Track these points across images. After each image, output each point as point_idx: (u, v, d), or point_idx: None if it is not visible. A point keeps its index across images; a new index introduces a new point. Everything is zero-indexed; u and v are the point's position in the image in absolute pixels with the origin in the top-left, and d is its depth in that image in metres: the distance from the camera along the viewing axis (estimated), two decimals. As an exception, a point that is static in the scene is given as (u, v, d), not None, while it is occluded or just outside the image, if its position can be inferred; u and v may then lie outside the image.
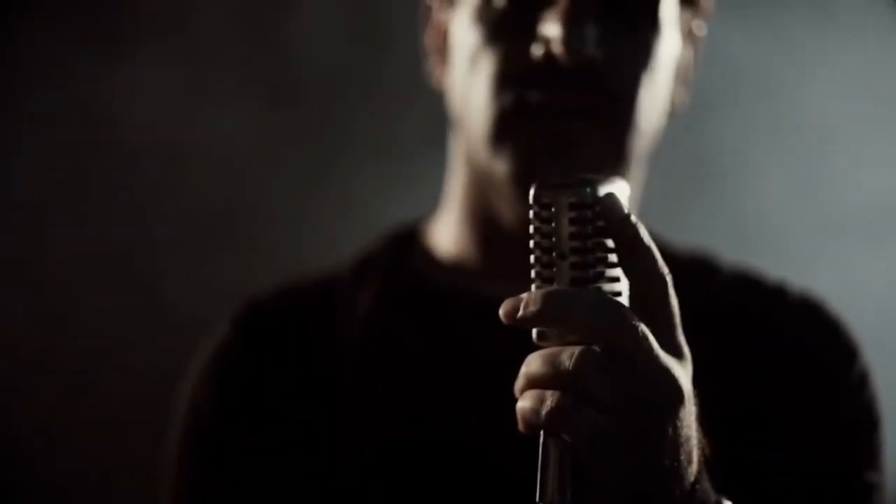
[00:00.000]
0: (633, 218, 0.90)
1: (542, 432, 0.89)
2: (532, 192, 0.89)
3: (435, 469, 1.27)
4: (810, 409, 1.29)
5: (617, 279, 0.90)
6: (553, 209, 0.89)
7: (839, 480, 1.26)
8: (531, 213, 0.89)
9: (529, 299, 0.88)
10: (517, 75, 1.22)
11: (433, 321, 1.33)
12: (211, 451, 1.34)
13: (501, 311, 0.90)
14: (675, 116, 1.34)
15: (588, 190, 0.89)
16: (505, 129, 1.23)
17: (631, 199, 1.29)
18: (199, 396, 1.36)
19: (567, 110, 1.22)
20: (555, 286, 0.89)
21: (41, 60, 2.18)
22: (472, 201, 1.32)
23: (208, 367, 1.36)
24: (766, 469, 1.26)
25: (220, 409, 1.35)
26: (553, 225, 0.89)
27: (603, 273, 0.89)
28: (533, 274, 0.90)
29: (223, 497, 1.32)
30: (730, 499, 0.99)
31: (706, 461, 0.95)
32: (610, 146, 1.24)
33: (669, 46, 1.28)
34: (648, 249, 0.91)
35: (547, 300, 0.88)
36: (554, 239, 0.89)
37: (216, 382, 1.36)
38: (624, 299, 0.91)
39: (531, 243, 0.90)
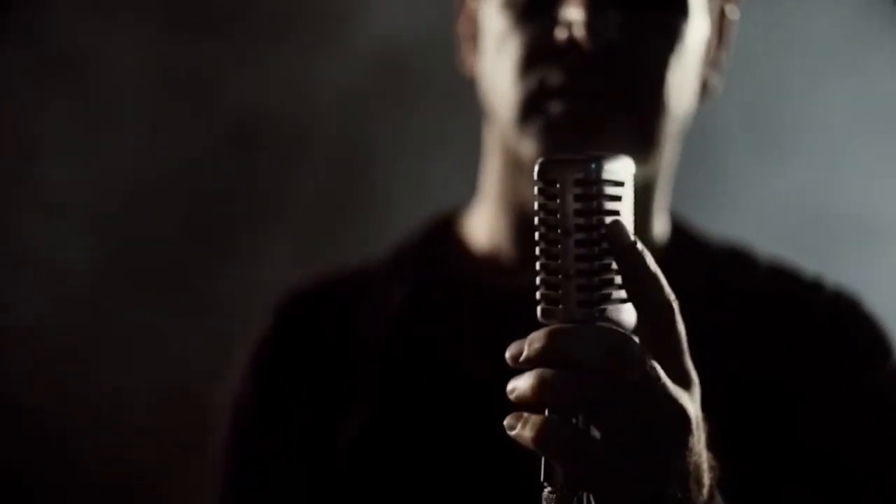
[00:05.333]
0: (639, 245, 0.88)
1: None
2: (537, 168, 0.88)
3: (465, 462, 1.27)
4: (844, 401, 1.29)
5: None
6: (558, 185, 0.88)
7: (870, 473, 1.25)
8: (536, 189, 0.89)
9: (533, 338, 0.87)
10: (541, 59, 1.23)
11: (466, 313, 1.33)
12: (248, 441, 1.37)
13: (507, 355, 0.89)
14: (708, 100, 1.34)
15: (594, 166, 0.88)
16: (530, 112, 1.24)
17: (663, 181, 1.31)
18: (238, 388, 1.39)
19: (590, 93, 1.22)
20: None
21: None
22: (505, 191, 1.32)
23: (248, 358, 1.39)
24: (796, 459, 1.25)
25: (257, 400, 1.37)
26: (558, 202, 0.88)
27: (603, 250, 0.88)
28: (538, 251, 0.89)
29: (261, 484, 1.34)
30: (758, 486, 0.97)
31: (718, 483, 0.94)
32: (634, 129, 1.24)
33: (697, 30, 1.27)
34: (654, 277, 0.89)
35: (551, 339, 0.87)
36: (559, 216, 0.88)
37: (253, 373, 1.38)
38: None
39: (535, 220, 0.89)
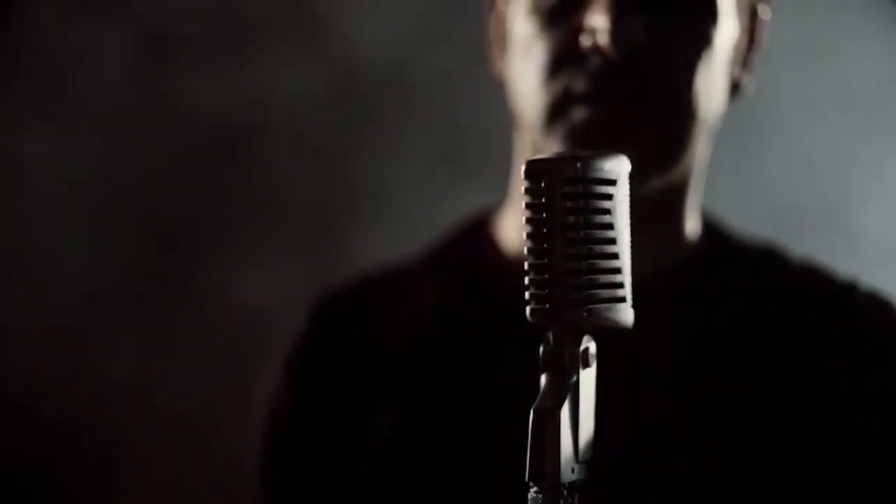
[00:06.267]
0: None
1: (532, 411, 0.88)
2: (523, 168, 0.88)
3: (497, 463, 1.27)
4: (877, 403, 1.28)
5: (610, 255, 0.88)
6: (543, 184, 0.87)
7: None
8: (523, 188, 0.88)
9: None
10: (566, 65, 1.23)
11: (499, 315, 1.33)
12: (284, 442, 1.39)
13: None
14: (739, 100, 1.33)
15: (580, 165, 0.88)
16: (555, 117, 1.24)
17: (695, 181, 1.31)
18: (274, 389, 1.40)
19: (614, 99, 1.22)
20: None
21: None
22: None
23: (284, 360, 1.41)
24: (825, 460, 1.25)
25: (292, 402, 1.39)
26: (544, 200, 0.87)
27: (593, 249, 0.88)
28: (525, 251, 0.89)
29: (297, 486, 1.36)
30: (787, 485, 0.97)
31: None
32: (661, 133, 1.24)
33: (725, 31, 1.26)
34: None
35: None
36: (545, 215, 0.87)
37: (289, 375, 1.40)
38: (623, 277, 0.89)
39: (524, 219, 0.89)
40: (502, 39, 1.32)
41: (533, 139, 1.28)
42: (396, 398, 1.33)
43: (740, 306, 1.30)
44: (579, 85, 1.22)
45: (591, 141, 1.21)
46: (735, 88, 1.32)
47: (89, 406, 2.23)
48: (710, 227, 1.36)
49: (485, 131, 2.19)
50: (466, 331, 1.34)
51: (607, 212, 0.88)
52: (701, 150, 1.30)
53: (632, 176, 1.24)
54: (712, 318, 1.29)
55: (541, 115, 1.24)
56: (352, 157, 2.26)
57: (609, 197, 0.89)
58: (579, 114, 1.22)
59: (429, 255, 1.41)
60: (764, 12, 1.33)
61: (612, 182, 0.89)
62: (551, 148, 1.24)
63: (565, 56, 1.23)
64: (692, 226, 1.34)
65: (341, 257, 2.25)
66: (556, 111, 1.23)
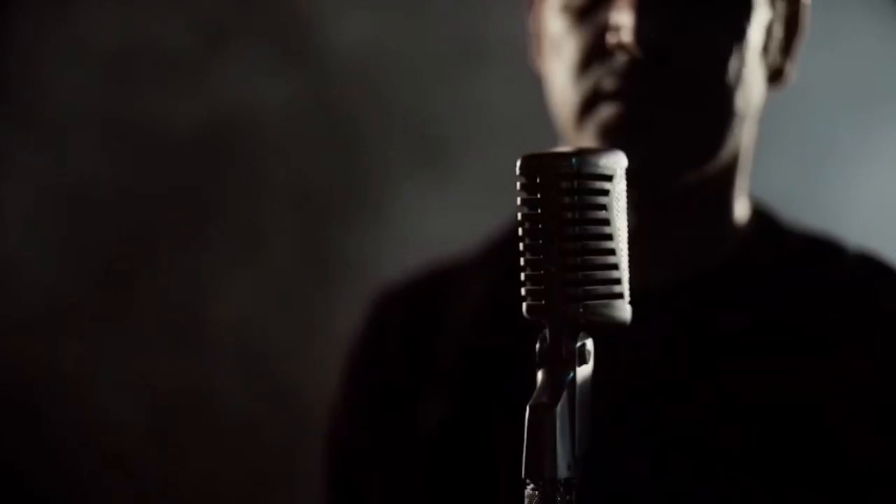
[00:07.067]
0: None
1: (528, 407, 0.88)
2: (518, 164, 0.88)
3: None
4: None
5: (606, 251, 0.88)
6: (539, 180, 0.87)
7: None
8: (518, 185, 0.88)
9: None
10: (594, 63, 1.24)
11: None
12: (342, 438, 1.42)
13: None
14: (782, 89, 1.33)
15: (574, 161, 0.87)
16: (585, 115, 1.25)
17: (741, 167, 1.31)
18: (336, 387, 1.44)
19: (642, 96, 1.23)
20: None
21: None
22: None
23: (344, 358, 1.45)
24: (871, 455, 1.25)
25: (350, 399, 1.42)
26: (539, 196, 0.87)
27: (588, 245, 0.87)
28: (521, 247, 0.88)
29: (354, 481, 1.39)
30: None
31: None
32: (691, 128, 1.25)
33: (757, 22, 1.26)
34: None
35: None
36: (540, 211, 0.87)
37: (347, 373, 1.44)
38: (620, 273, 0.89)
39: (518, 215, 0.88)
40: (539, 37, 1.34)
41: (563, 133, 1.30)
42: (446, 393, 1.34)
43: (789, 296, 1.29)
44: (608, 83, 1.23)
45: (621, 138, 1.22)
46: (777, 76, 1.31)
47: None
48: (763, 216, 1.36)
49: (465, 132, 2.20)
50: (511, 325, 1.34)
51: (603, 207, 0.88)
52: (744, 136, 1.30)
53: (666, 171, 1.25)
54: (759, 313, 1.29)
55: (572, 112, 1.26)
56: (327, 161, 2.27)
57: (605, 193, 0.88)
58: (608, 111, 1.23)
59: (480, 250, 1.42)
60: None
61: (609, 178, 0.89)
62: (583, 144, 1.24)
63: (593, 54, 1.24)
64: (741, 212, 1.33)
65: (319, 264, 2.26)
66: (586, 108, 1.25)
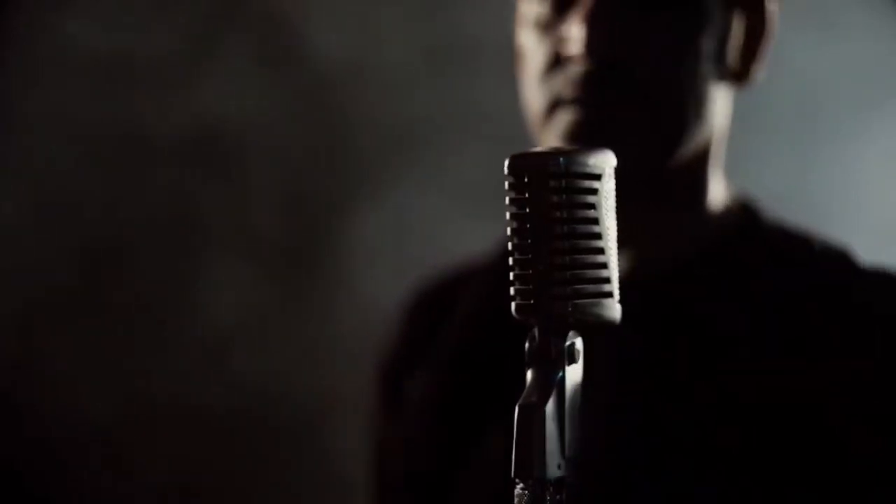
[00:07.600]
0: None
1: (517, 406, 0.88)
2: (506, 163, 0.88)
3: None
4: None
5: (595, 250, 0.88)
6: (527, 179, 0.87)
7: None
8: (506, 184, 0.88)
9: None
10: (555, 72, 1.31)
11: None
12: (378, 437, 1.50)
13: None
14: (750, 87, 1.37)
15: (561, 160, 0.87)
16: (548, 120, 1.32)
17: (714, 150, 1.34)
18: (372, 384, 1.51)
19: (597, 103, 1.30)
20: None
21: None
22: None
23: (379, 362, 1.51)
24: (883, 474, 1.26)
25: (384, 397, 1.49)
26: (526, 195, 0.87)
27: (577, 244, 0.87)
28: (510, 247, 0.88)
29: (393, 477, 1.45)
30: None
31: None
32: (649, 129, 1.31)
33: (710, 29, 1.31)
34: None
35: None
36: (528, 210, 0.87)
37: (380, 372, 1.51)
38: (609, 272, 0.89)
39: (507, 214, 0.88)
40: (517, 49, 1.40)
41: (537, 138, 1.35)
42: (472, 390, 1.38)
43: (769, 297, 1.32)
44: (566, 90, 1.30)
45: (580, 141, 1.27)
46: (740, 77, 1.35)
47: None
48: (747, 211, 1.38)
49: (453, 133, 2.20)
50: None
51: (592, 206, 0.88)
52: (715, 128, 1.34)
53: (627, 172, 1.26)
54: (735, 308, 1.31)
55: (537, 117, 1.34)
56: (315, 165, 2.27)
57: (594, 191, 0.88)
58: (567, 116, 1.30)
59: (503, 251, 1.44)
60: (771, 2, 1.36)
61: (597, 177, 0.89)
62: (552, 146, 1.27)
63: (554, 64, 1.32)
64: (717, 199, 1.37)
65: (308, 268, 2.26)
66: (549, 113, 1.32)
